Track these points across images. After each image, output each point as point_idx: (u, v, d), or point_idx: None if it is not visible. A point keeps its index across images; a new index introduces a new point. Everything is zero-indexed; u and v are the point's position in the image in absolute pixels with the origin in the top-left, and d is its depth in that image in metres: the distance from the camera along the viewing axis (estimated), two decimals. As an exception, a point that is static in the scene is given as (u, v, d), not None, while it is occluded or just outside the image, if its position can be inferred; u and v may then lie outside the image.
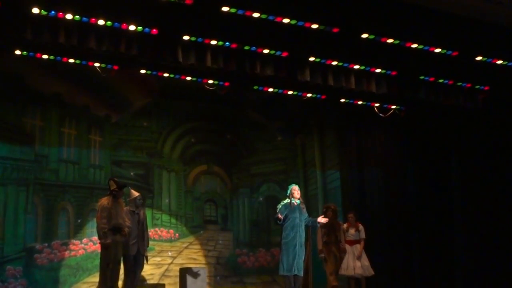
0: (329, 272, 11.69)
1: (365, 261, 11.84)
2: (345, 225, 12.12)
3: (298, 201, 9.65)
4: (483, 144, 12.31)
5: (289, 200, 9.64)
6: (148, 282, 12.22)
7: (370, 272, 11.80)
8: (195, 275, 11.36)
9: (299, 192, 9.74)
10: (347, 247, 11.92)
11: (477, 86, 11.93)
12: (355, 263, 11.76)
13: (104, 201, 9.70)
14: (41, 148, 11.92)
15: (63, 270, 11.66)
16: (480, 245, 12.13)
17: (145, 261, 10.51)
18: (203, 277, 11.47)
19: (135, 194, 10.51)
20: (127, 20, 9.10)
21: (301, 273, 9.55)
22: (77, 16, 8.80)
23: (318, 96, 12.59)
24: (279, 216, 9.40)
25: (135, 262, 10.23)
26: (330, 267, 11.67)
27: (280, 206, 9.68)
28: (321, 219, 9.89)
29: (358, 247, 11.88)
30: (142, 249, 10.28)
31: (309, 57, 10.50)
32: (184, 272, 11.47)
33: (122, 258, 10.03)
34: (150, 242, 11.82)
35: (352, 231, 12.01)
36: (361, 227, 12.03)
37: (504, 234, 11.74)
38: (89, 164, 12.40)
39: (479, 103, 12.04)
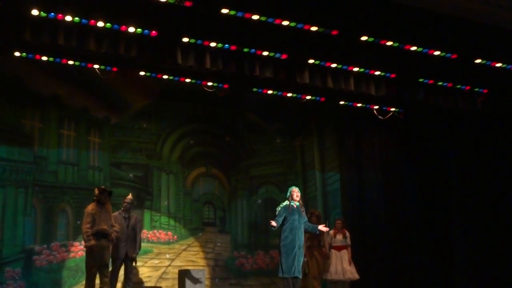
0: (312, 275, 11.86)
1: (352, 267, 12.15)
2: (332, 231, 12.24)
3: (297, 204, 9.61)
4: (482, 146, 12.31)
5: (288, 202, 9.61)
6: (146, 284, 12.22)
7: (356, 276, 12.12)
8: (195, 277, 11.36)
9: (298, 194, 9.68)
10: (335, 252, 12.21)
11: (476, 89, 11.96)
12: (346, 267, 12.06)
13: (89, 207, 9.91)
14: (40, 149, 11.92)
15: (62, 272, 11.64)
16: (478, 246, 12.13)
17: (133, 264, 10.65)
18: (202, 279, 11.47)
19: (126, 198, 10.73)
20: (127, 22, 9.11)
21: (300, 276, 9.53)
22: (76, 18, 8.82)
23: (317, 98, 12.62)
24: (273, 224, 9.35)
25: (126, 266, 10.38)
26: (313, 271, 11.84)
27: (280, 208, 9.64)
28: (323, 228, 9.85)
29: (346, 253, 12.17)
30: (130, 253, 10.41)
31: (308, 59, 10.52)
32: (184, 274, 11.46)
33: (111, 261, 10.23)
34: (149, 244, 11.86)
35: (339, 237, 12.28)
36: (347, 234, 12.33)
37: (503, 236, 11.74)
38: (88, 165, 12.39)
39: (478, 105, 12.06)
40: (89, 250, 9.66)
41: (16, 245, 11.33)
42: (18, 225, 11.41)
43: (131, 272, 10.52)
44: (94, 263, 9.65)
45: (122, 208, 10.73)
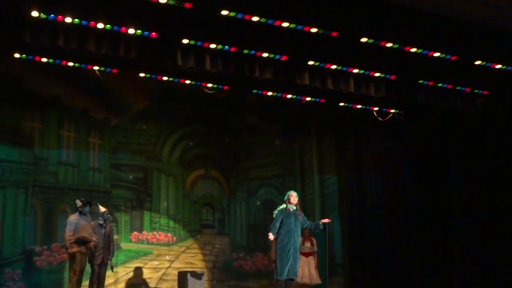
0: None
1: (316, 272, 12.52)
2: (300, 239, 12.35)
3: (294, 208, 9.70)
4: (482, 148, 12.32)
5: (285, 206, 9.69)
6: (146, 286, 12.22)
7: (319, 281, 12.48)
8: (194, 279, 11.37)
9: (296, 198, 9.77)
10: (303, 258, 12.27)
11: (476, 90, 11.96)
12: (313, 272, 12.40)
13: (72, 216, 10.29)
14: (40, 150, 11.95)
15: (62, 273, 11.64)
16: (479, 248, 12.13)
17: (110, 269, 10.87)
18: (202, 281, 11.48)
19: (103, 209, 10.79)
20: (127, 24, 9.11)
21: (296, 278, 9.62)
22: (76, 19, 8.80)
23: (317, 100, 12.61)
24: (270, 237, 9.47)
25: (100, 271, 10.58)
26: None
27: (277, 211, 9.74)
28: (325, 220, 9.98)
29: (313, 259, 12.53)
30: (106, 259, 10.64)
31: (308, 61, 10.51)
32: (183, 276, 11.48)
33: (90, 267, 10.50)
34: (149, 246, 11.85)
35: (307, 244, 12.48)
36: (314, 241, 12.62)
37: (503, 237, 11.74)
38: (88, 167, 12.43)
39: (478, 107, 12.07)
40: (71, 256, 10.04)
41: (16, 246, 11.36)
42: (18, 226, 11.46)
43: (104, 276, 10.73)
44: (76, 268, 10.02)
45: (99, 217, 10.74)
